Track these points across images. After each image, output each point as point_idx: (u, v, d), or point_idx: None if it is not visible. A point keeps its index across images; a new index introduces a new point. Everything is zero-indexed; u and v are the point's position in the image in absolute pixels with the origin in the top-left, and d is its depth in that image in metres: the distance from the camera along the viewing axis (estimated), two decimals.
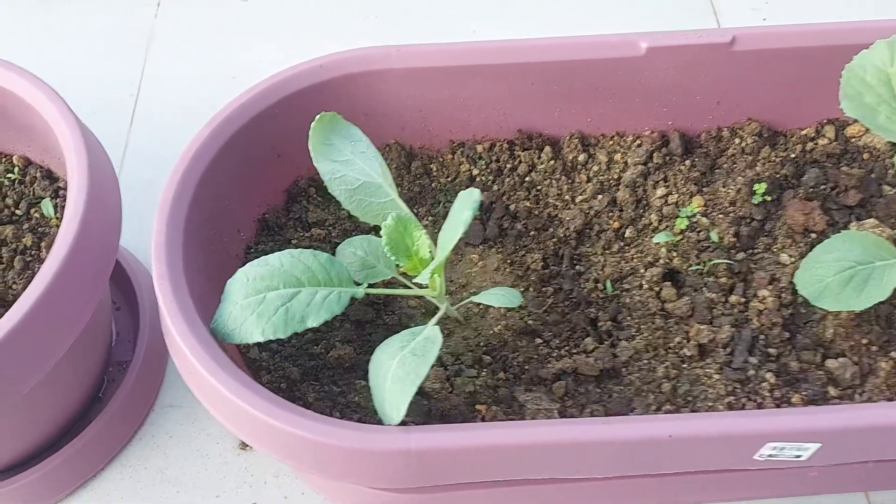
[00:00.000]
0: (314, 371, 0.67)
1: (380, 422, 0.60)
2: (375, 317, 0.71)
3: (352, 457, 0.54)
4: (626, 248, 0.74)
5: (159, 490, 0.79)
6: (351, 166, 0.63)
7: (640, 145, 0.79)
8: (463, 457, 0.53)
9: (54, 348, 0.62)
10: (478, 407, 0.65)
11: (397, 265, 0.63)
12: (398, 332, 0.69)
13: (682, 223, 0.73)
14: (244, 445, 0.81)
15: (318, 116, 0.64)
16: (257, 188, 0.74)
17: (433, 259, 0.64)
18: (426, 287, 0.65)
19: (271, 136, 0.73)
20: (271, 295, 0.59)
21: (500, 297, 0.63)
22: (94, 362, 0.78)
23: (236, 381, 0.55)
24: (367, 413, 0.65)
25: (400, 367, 0.56)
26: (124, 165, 1.01)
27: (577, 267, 0.74)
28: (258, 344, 0.68)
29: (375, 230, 0.76)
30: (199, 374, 0.56)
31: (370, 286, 0.64)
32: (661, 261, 0.73)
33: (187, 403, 0.84)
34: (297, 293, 0.59)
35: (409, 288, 0.68)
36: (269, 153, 0.74)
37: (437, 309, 0.71)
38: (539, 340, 0.69)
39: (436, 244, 0.62)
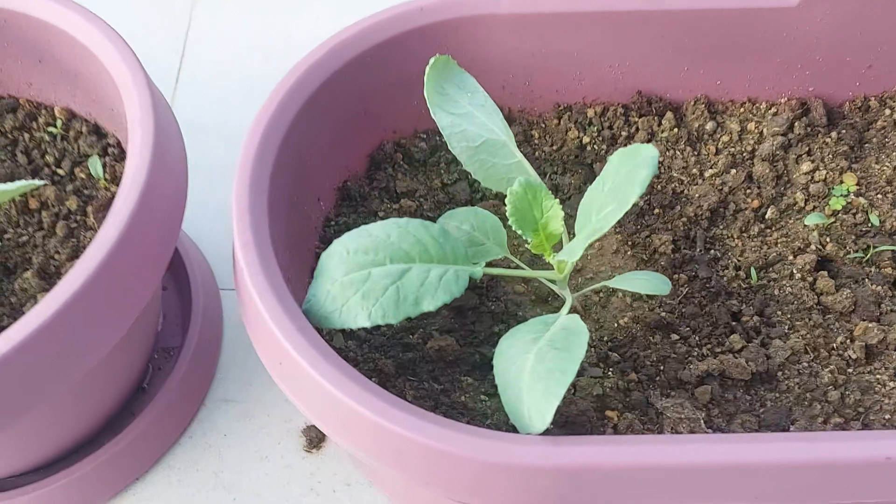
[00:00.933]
0: (411, 365, 0.57)
1: (501, 428, 0.49)
2: (479, 303, 0.60)
3: (486, 472, 0.44)
4: (768, 230, 0.64)
5: (213, 496, 0.69)
6: (471, 120, 0.52)
7: (776, 113, 0.68)
8: (626, 477, 0.43)
9: (111, 332, 0.51)
10: (608, 413, 0.54)
11: (526, 241, 0.52)
12: (505, 321, 0.59)
13: (837, 203, 0.63)
14: (310, 447, 0.70)
15: (432, 59, 0.53)
16: (340, 150, 0.64)
17: (563, 235, 0.54)
18: (552, 269, 0.54)
19: (359, 90, 0.62)
20: (377, 272, 0.49)
21: (645, 283, 0.53)
22: (142, 348, 0.67)
23: (345, 375, 0.44)
24: (475, 416, 0.54)
25: (539, 362, 0.46)
26: None
27: (712, 251, 0.63)
28: (343, 331, 0.58)
29: (472, 202, 0.66)
30: (297, 365, 0.45)
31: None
32: (813, 246, 0.62)
33: (243, 398, 0.73)
34: (408, 270, 0.49)
35: (523, 269, 0.58)
36: (355, 109, 0.63)
37: (548, 296, 0.61)
38: (675, 336, 0.58)
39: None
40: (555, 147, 0.69)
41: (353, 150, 0.66)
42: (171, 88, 0.95)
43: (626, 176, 0.44)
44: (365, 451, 0.46)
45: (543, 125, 0.70)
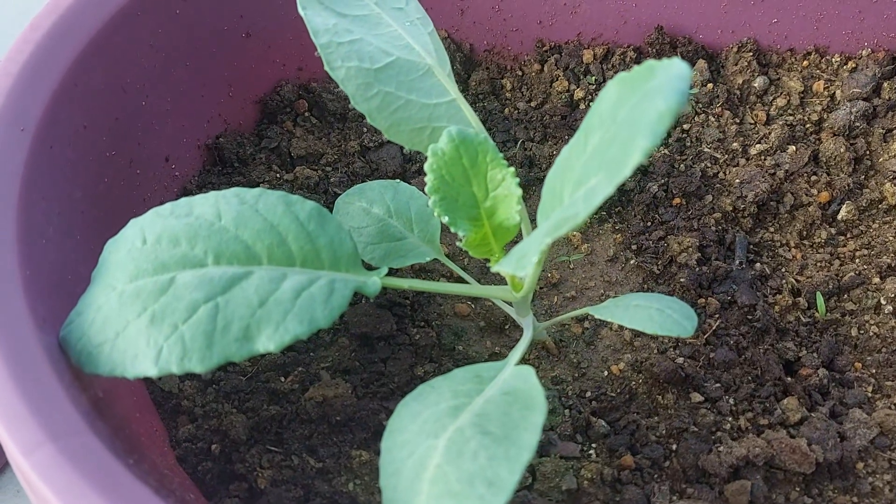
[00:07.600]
0: (275, 425, 0.37)
1: None
2: (396, 330, 0.40)
3: None
4: (842, 237, 0.45)
5: None
6: (373, 27, 0.31)
7: (855, 69, 0.47)
8: None
9: None
10: None
11: (460, 235, 0.31)
12: (435, 359, 0.39)
13: None
14: None
15: None
16: (207, 90, 0.43)
17: (522, 229, 0.33)
18: (505, 284, 0.33)
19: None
20: (186, 278, 0.28)
21: (653, 315, 0.32)
22: None
23: (79, 471, 0.23)
24: None
25: (452, 459, 0.25)
26: None
27: (758, 265, 0.42)
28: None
29: (405, 176, 0.45)
30: (8, 449, 0.25)
31: (391, 273, 0.33)
32: None
33: None
34: (244, 277, 0.29)
35: (466, 283, 0.37)
36: (228, 27, 0.42)
37: (504, 322, 0.40)
38: (698, 397, 0.38)
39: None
40: (534, 103, 0.49)
41: (232, 92, 0.45)
42: None
43: (626, 118, 0.22)
44: None
45: (520, 72, 0.51)
